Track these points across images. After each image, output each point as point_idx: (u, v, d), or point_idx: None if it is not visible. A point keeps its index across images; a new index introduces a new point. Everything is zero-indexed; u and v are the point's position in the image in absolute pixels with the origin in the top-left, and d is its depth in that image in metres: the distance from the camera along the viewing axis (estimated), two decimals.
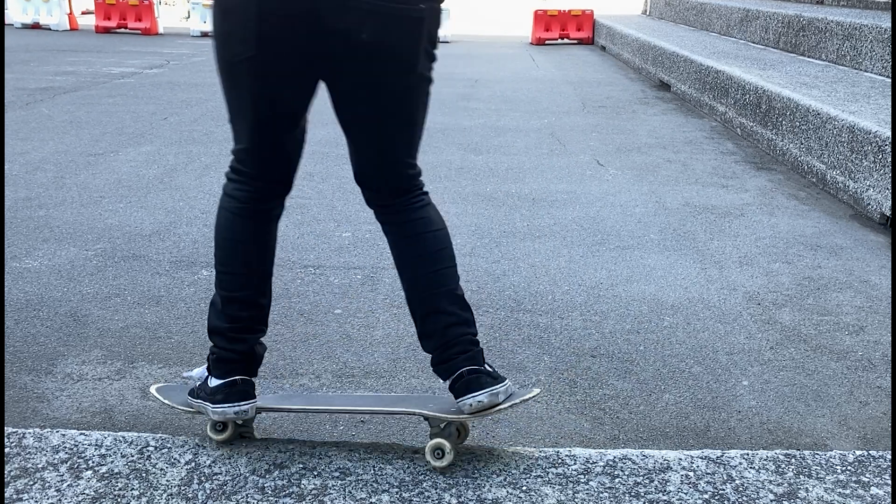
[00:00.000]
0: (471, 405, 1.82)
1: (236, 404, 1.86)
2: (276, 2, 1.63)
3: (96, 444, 1.94)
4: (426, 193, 1.94)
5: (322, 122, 4.57)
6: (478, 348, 1.88)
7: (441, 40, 14.51)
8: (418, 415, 1.88)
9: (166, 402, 2.00)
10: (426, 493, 1.79)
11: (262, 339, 1.93)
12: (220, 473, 1.85)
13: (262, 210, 1.86)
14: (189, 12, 15.45)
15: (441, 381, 1.94)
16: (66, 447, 1.93)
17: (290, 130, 1.81)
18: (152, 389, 2.08)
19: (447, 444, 1.85)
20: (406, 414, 1.91)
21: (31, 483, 1.79)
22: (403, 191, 1.89)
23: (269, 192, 1.86)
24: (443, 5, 1.78)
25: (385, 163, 1.86)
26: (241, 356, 1.87)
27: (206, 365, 1.94)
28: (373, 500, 1.77)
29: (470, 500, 1.77)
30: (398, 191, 1.89)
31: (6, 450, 1.91)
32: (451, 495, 1.79)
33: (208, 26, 14.37)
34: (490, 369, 1.87)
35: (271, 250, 1.91)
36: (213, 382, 1.88)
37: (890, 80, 6.31)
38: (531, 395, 1.91)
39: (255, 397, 1.90)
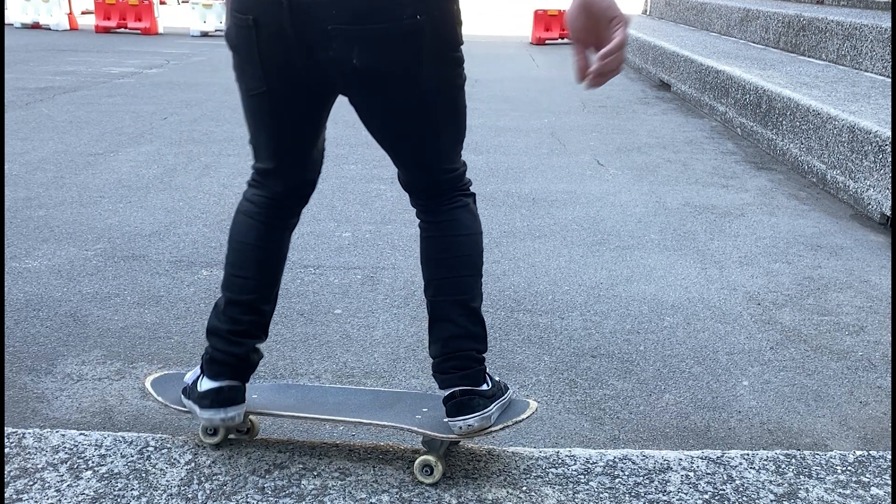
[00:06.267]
0: (460, 427, 1.79)
1: (223, 410, 1.85)
2: (270, 37, 1.62)
3: (96, 445, 1.94)
4: (465, 194, 1.87)
5: None
6: (479, 367, 1.82)
7: None
8: (407, 430, 1.85)
9: (159, 398, 1.99)
10: (426, 494, 1.79)
11: (260, 345, 1.92)
12: (220, 473, 1.84)
13: (278, 217, 1.87)
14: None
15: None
16: (65, 447, 1.93)
17: (310, 150, 1.83)
18: (147, 382, 2.06)
19: (433, 461, 1.82)
20: (396, 428, 1.88)
21: (31, 483, 1.79)
22: (441, 193, 1.84)
23: (287, 202, 1.88)
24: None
25: (416, 172, 1.83)
26: (236, 359, 1.85)
27: (199, 365, 1.93)
28: (373, 500, 1.76)
29: (470, 500, 1.77)
30: (436, 194, 1.85)
31: (6, 450, 1.91)
32: (451, 495, 1.79)
33: (208, 26, 14.39)
34: (487, 387, 1.83)
35: (282, 258, 1.90)
36: (203, 385, 1.86)
37: (890, 80, 6.31)
38: (525, 415, 1.88)
39: (243, 402, 1.88)
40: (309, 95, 1.72)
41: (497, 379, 1.89)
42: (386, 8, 1.57)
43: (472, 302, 1.82)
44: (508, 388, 1.91)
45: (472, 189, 1.90)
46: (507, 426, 1.84)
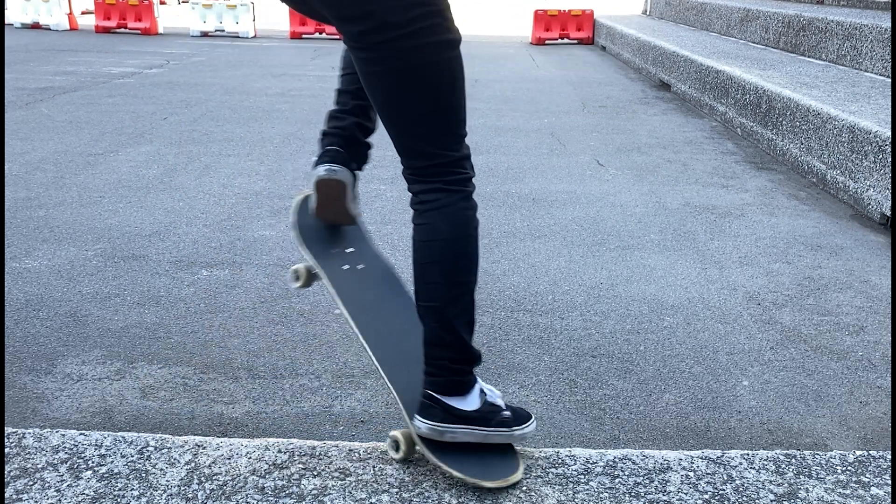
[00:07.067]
0: (416, 427, 1.80)
1: (329, 165, 1.87)
2: None
3: (96, 445, 1.94)
4: (449, 191, 1.71)
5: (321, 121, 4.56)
6: (453, 377, 1.77)
7: None
8: (396, 399, 1.87)
9: (294, 215, 2.02)
10: (426, 494, 1.79)
11: (366, 143, 1.96)
12: (220, 474, 1.84)
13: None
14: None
15: None
16: (65, 447, 1.93)
17: None
18: (296, 199, 2.05)
19: (401, 439, 1.84)
20: (390, 391, 1.88)
21: (31, 483, 1.79)
22: (424, 178, 1.72)
23: None
24: None
25: (396, 135, 1.71)
26: (343, 131, 1.91)
27: None
28: (373, 500, 1.76)
29: (470, 500, 1.77)
30: (420, 172, 1.72)
31: (6, 450, 1.91)
32: (451, 495, 1.78)
33: (208, 26, 14.39)
34: (473, 407, 1.79)
35: None
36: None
37: (890, 80, 6.31)
38: (491, 484, 1.78)
39: (349, 174, 1.90)
40: (305, 4, 1.72)
41: (504, 413, 1.82)
42: None
43: (443, 310, 1.73)
44: (510, 430, 1.83)
45: (470, 187, 1.75)
46: (466, 481, 1.77)
